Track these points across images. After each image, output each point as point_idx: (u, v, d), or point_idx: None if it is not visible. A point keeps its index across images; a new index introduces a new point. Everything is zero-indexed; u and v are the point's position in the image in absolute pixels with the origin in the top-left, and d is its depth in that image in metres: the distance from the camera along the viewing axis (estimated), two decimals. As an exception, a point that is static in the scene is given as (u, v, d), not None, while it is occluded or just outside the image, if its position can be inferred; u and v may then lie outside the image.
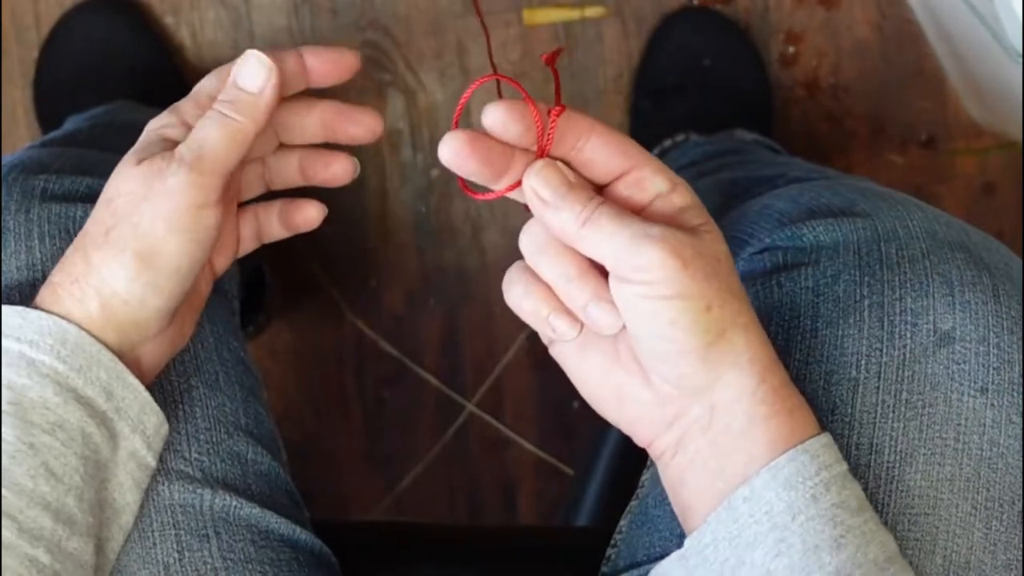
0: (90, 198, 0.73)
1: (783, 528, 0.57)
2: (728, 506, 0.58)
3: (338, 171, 0.69)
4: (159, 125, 0.65)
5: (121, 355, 0.63)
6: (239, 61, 0.64)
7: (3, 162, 0.77)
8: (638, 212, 0.59)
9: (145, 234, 0.62)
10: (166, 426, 0.66)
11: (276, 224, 0.70)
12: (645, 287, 0.56)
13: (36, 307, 0.63)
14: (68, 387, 0.61)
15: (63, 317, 0.62)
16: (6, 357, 0.61)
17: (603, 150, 0.58)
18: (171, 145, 0.63)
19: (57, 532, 0.60)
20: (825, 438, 0.59)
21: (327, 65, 0.66)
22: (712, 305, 0.57)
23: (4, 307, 0.62)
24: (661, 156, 1.20)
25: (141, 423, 0.64)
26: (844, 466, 0.59)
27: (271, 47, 0.66)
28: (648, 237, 0.56)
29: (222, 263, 0.69)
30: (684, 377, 0.58)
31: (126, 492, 0.64)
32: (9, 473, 0.59)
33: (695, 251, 0.56)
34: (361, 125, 0.68)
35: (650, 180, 0.59)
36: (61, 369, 0.61)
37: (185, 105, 0.65)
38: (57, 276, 0.63)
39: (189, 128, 0.64)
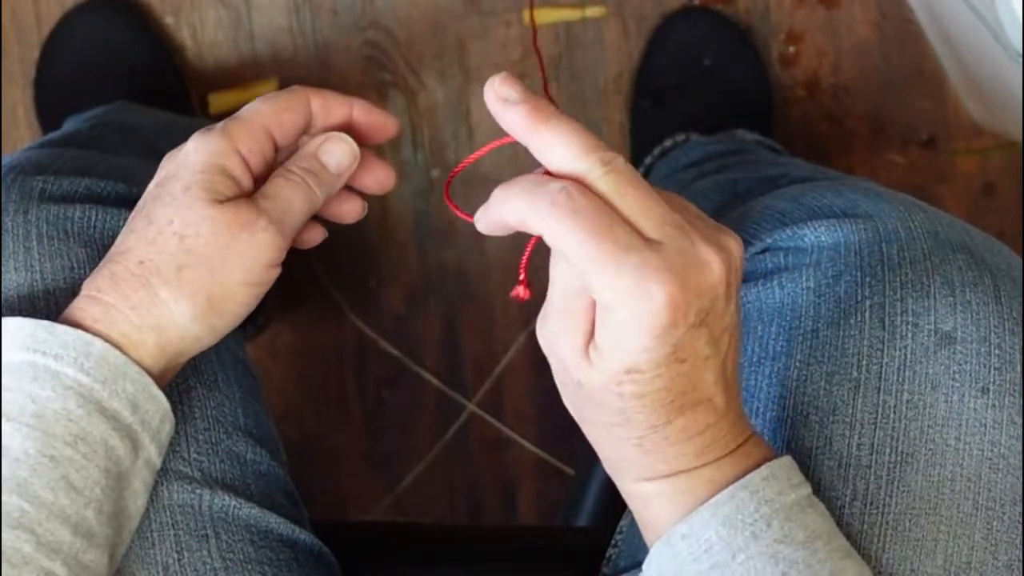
0: (88, 199, 0.73)
1: (723, 567, 0.57)
2: (667, 542, 0.58)
3: (349, 210, 0.70)
4: (216, 152, 0.64)
5: (156, 373, 0.64)
6: (329, 140, 0.66)
7: (2, 163, 0.77)
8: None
9: (222, 281, 0.63)
10: (173, 429, 0.66)
11: None
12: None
13: (74, 318, 0.63)
14: (92, 399, 0.61)
15: (111, 338, 0.62)
16: (31, 371, 0.61)
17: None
18: (237, 186, 0.64)
19: (75, 545, 0.60)
20: (766, 470, 0.58)
21: (370, 123, 0.68)
22: (567, 396, 0.59)
23: (32, 321, 0.62)
24: (662, 156, 1.20)
25: (159, 432, 0.64)
26: (792, 496, 0.58)
27: (328, 91, 0.67)
28: (542, 311, 0.58)
29: None
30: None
31: (138, 498, 0.64)
32: (29, 485, 0.59)
33: (557, 358, 0.58)
34: (375, 178, 0.69)
35: (591, 290, 0.55)
36: (84, 381, 0.61)
37: (238, 133, 0.65)
38: (111, 296, 0.63)
39: (245, 163, 0.65)
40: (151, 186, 0.65)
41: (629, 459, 0.58)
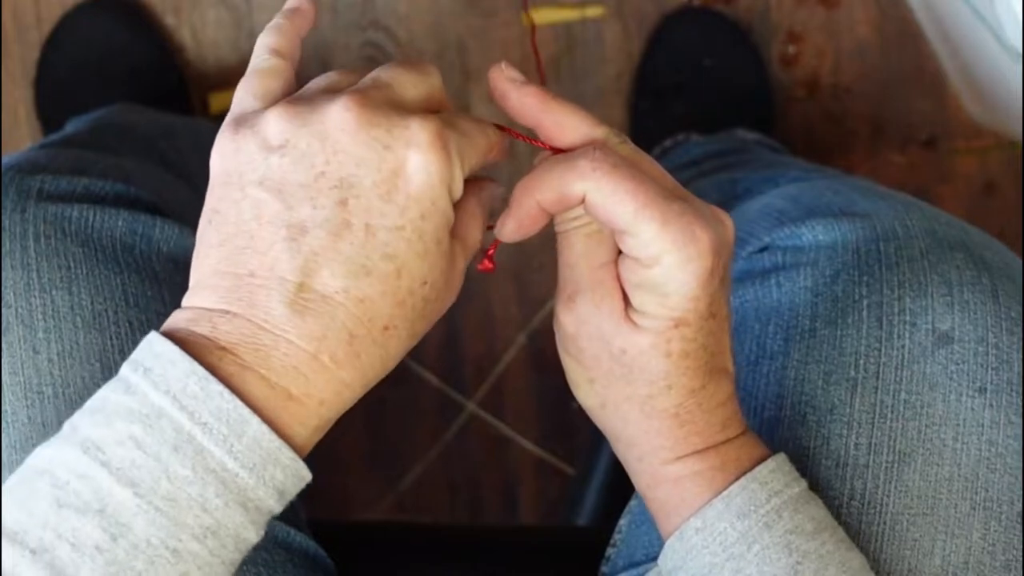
0: (86, 198, 0.73)
1: (739, 558, 0.57)
2: (680, 536, 0.58)
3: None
4: (451, 176, 0.54)
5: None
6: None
7: (2, 163, 0.77)
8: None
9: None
10: None
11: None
12: (555, 328, 0.59)
13: (282, 366, 0.52)
14: (234, 487, 0.51)
15: (304, 408, 0.53)
16: (174, 436, 0.51)
17: (591, 211, 0.56)
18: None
19: None
20: (774, 462, 0.59)
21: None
22: (595, 381, 0.58)
23: (187, 361, 0.51)
24: (662, 155, 1.20)
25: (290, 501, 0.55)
26: (797, 488, 0.59)
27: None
28: (563, 294, 0.58)
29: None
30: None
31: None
32: None
33: (595, 330, 0.57)
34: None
35: (631, 247, 0.55)
36: (231, 466, 0.51)
37: (469, 159, 0.56)
38: (348, 371, 0.53)
39: None
40: (365, 186, 0.52)
41: (663, 435, 0.58)
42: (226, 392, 0.51)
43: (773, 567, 0.57)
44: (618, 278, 0.57)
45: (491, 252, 0.61)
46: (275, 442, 0.51)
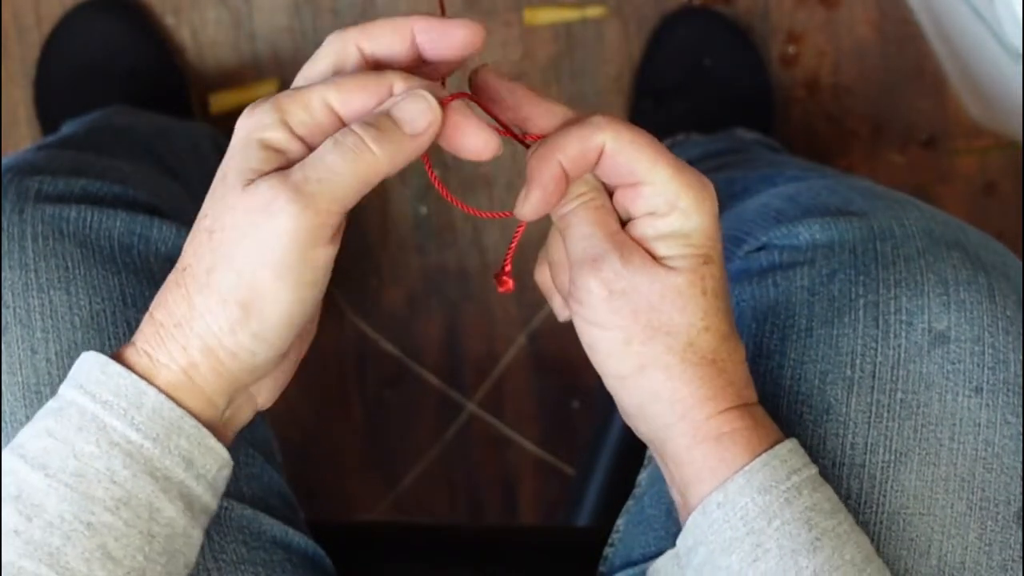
0: (84, 199, 0.73)
1: (759, 533, 0.57)
2: (703, 511, 0.58)
3: (473, 144, 0.58)
4: (258, 126, 0.55)
5: (228, 403, 0.58)
6: (405, 98, 0.55)
7: (1, 164, 0.77)
8: (624, 220, 0.60)
9: (249, 282, 0.54)
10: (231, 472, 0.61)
11: None
12: (578, 306, 0.59)
13: (134, 341, 0.57)
14: (140, 458, 0.55)
15: (160, 364, 0.56)
16: (79, 418, 0.55)
17: (610, 164, 0.58)
18: (276, 158, 0.55)
19: None
20: (791, 443, 0.59)
21: (439, 41, 0.59)
22: (633, 340, 0.58)
23: (92, 355, 0.56)
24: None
25: (216, 480, 0.59)
26: (813, 469, 0.59)
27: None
28: (585, 263, 0.58)
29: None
30: (616, 391, 0.61)
31: (195, 546, 0.59)
32: (62, 555, 0.53)
33: (628, 285, 0.58)
34: (470, 144, 0.58)
35: (648, 197, 0.58)
36: (134, 438, 0.55)
37: (289, 105, 0.55)
38: (160, 313, 0.57)
39: (294, 135, 0.55)
40: None
41: (706, 383, 0.59)
42: (124, 371, 0.56)
43: (793, 542, 0.57)
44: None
45: (508, 269, 0.63)
46: (176, 411, 0.56)
